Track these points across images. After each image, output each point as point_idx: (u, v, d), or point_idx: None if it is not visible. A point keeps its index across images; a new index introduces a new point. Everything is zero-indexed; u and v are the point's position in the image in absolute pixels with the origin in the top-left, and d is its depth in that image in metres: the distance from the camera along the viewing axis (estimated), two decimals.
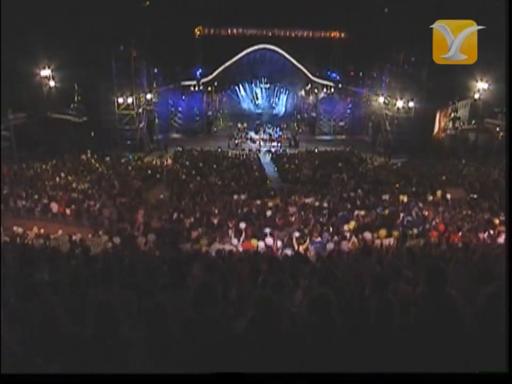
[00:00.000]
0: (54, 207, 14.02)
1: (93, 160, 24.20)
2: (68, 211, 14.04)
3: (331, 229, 10.82)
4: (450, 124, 28.34)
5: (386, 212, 12.82)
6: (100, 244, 8.83)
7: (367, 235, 10.12)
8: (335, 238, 10.08)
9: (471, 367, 2.31)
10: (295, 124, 35.54)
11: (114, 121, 26.83)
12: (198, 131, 33.86)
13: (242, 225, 10.35)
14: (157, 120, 30.72)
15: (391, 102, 27.72)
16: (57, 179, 18.38)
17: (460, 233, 10.47)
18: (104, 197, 15.56)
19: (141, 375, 2.27)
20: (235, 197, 16.08)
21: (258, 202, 14.79)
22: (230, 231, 10.45)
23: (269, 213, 12.73)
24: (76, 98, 26.47)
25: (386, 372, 2.30)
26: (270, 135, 32.18)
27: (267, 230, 10.35)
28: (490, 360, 2.35)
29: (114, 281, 3.82)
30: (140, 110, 27.51)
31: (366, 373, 2.27)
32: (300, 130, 34.12)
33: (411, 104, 27.00)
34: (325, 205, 14.38)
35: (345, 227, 10.90)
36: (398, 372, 2.30)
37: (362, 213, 12.48)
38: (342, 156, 27.17)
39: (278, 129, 32.84)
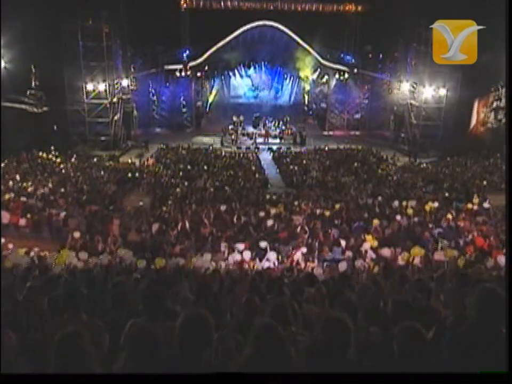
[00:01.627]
0: (5, 216, 13.27)
1: (55, 159, 24.22)
2: (22, 221, 13.61)
3: (344, 243, 10.80)
4: (492, 116, 27.90)
5: (412, 222, 12.82)
6: (65, 262, 8.78)
7: (388, 251, 10.11)
8: (349, 253, 10.08)
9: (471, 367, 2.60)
10: (301, 117, 35.77)
11: (82, 113, 26.83)
12: (185, 125, 34.05)
13: (239, 243, 10.34)
14: (135, 112, 30.84)
15: (418, 90, 27.71)
16: (10, 183, 18.26)
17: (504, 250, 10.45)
18: (70, 205, 15.52)
19: (141, 375, 2.53)
20: (230, 204, 16.06)
21: (257, 210, 14.77)
22: (223, 245, 10.43)
23: (270, 223, 12.71)
24: (33, 84, 25.69)
25: (386, 372, 2.59)
26: (271, 130, 32.36)
27: (268, 244, 10.34)
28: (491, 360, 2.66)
29: (82, 308, 3.80)
30: (115, 99, 27.58)
31: (366, 373, 2.50)
32: (307, 125, 34.32)
33: (442, 91, 26.97)
34: (337, 213, 14.37)
35: (362, 240, 10.90)
36: (398, 372, 2.61)
37: (383, 223, 12.48)
38: (357, 155, 27.31)
39: (280, 123, 33.02)
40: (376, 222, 12.44)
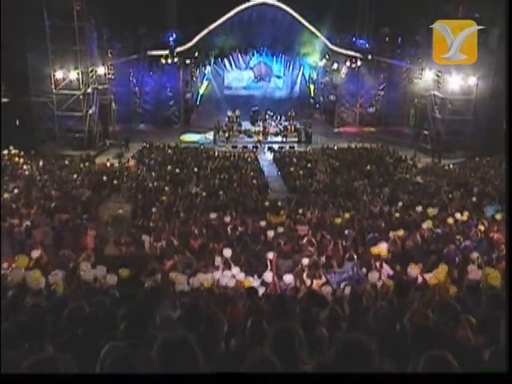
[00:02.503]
0: None
1: (18, 160, 24.21)
2: None
3: (357, 257, 10.80)
4: None
5: (436, 233, 12.83)
6: (29, 282, 8.70)
7: (409, 267, 10.09)
8: (363, 269, 10.07)
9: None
10: (307, 111, 35.90)
11: (50, 105, 26.82)
12: (172, 120, 34.24)
13: (230, 252, 10.32)
14: (113, 105, 30.98)
15: (443, 79, 27.77)
16: None
17: None
18: (36, 213, 15.47)
19: (141, 375, 2.77)
20: (224, 212, 16.08)
21: (256, 219, 14.77)
22: (217, 260, 10.41)
23: (270, 234, 12.71)
24: None
25: (386, 372, 2.86)
26: (272, 126, 32.47)
27: (268, 258, 10.32)
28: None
29: (48, 338, 3.77)
30: (89, 90, 27.64)
31: (366, 373, 2.73)
32: (313, 120, 34.46)
33: (472, 80, 26.99)
34: (348, 223, 14.39)
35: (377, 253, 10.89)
36: (398, 372, 2.92)
37: (401, 234, 12.48)
38: (372, 155, 27.43)
39: (282, 118, 33.19)
40: (394, 233, 12.42)
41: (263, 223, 14.05)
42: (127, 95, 33.00)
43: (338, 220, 14.30)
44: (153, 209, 17.11)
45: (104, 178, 21.81)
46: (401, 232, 12.62)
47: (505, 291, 3.28)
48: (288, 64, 36.81)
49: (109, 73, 29.80)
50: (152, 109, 33.84)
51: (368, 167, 24.84)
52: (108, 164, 25.44)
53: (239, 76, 37.29)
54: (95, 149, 28.07)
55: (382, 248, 10.71)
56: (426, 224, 13.27)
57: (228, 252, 10.17)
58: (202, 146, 29.04)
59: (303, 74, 37.44)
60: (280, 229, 13.41)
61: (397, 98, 33.56)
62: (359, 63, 32.85)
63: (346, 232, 13.31)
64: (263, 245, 11.97)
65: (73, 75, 26.66)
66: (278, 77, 37.82)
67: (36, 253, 10.66)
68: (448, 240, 12.04)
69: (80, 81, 26.94)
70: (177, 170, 23.89)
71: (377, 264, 10.10)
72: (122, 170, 24.09)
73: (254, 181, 22.49)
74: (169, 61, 32.12)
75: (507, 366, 2.91)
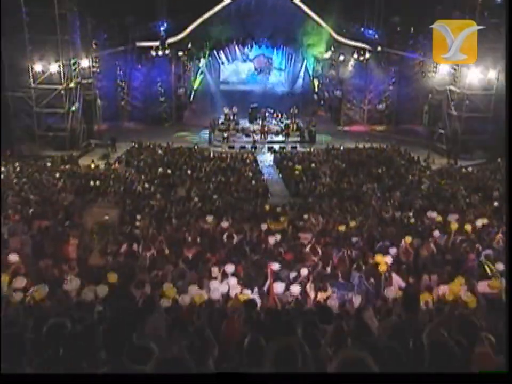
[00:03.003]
0: None
1: None
2: None
3: (364, 267, 10.77)
4: None
5: (452, 241, 12.81)
6: (3, 296, 8.64)
7: (424, 277, 10.06)
8: (371, 280, 10.05)
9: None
10: (310, 108, 35.97)
11: (28, 101, 26.75)
12: (163, 118, 34.30)
13: (230, 265, 10.30)
14: (99, 101, 30.98)
15: (461, 72, 27.72)
16: None
17: None
18: (13, 219, 15.44)
19: (141, 375, 2.97)
20: (220, 218, 16.07)
21: (255, 226, 14.78)
22: (213, 270, 10.39)
23: (271, 241, 12.71)
24: None
25: (386, 372, 3.05)
26: (272, 124, 32.53)
27: (269, 268, 10.30)
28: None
29: (27, 358, 3.76)
30: (72, 84, 27.59)
31: (366, 373, 2.88)
32: (318, 118, 34.54)
33: (492, 74, 26.83)
34: (356, 230, 14.40)
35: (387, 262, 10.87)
36: (398, 372, 3.13)
37: (413, 242, 12.47)
38: (381, 156, 27.48)
39: (284, 116, 33.25)
40: (406, 240, 12.41)
41: (262, 230, 14.09)
42: (114, 90, 33.05)
43: (342, 228, 14.28)
44: (142, 216, 17.11)
45: (89, 181, 21.79)
46: (413, 240, 12.62)
47: (505, 292, 3.39)
48: (290, 56, 36.89)
49: (93, 66, 29.78)
50: (141, 106, 33.89)
51: (378, 169, 24.86)
52: (93, 166, 25.43)
53: (236, 70, 37.37)
54: (78, 149, 28.02)
55: (386, 257, 10.72)
56: (445, 229, 13.28)
57: (230, 268, 10.14)
58: (196, 147, 29.04)
59: (306, 67, 37.48)
60: (281, 237, 13.45)
61: (409, 94, 33.62)
62: (367, 55, 32.92)
63: (353, 240, 13.32)
64: (262, 254, 11.99)
65: (54, 68, 26.48)
66: (279, 70, 37.91)
67: (12, 264, 10.65)
68: (466, 249, 12.03)
69: (62, 74, 26.80)
70: (168, 172, 23.92)
71: (387, 275, 10.08)
72: (109, 172, 24.08)
73: (253, 184, 22.54)
74: (160, 53, 32.13)
75: (507, 366, 3.10)
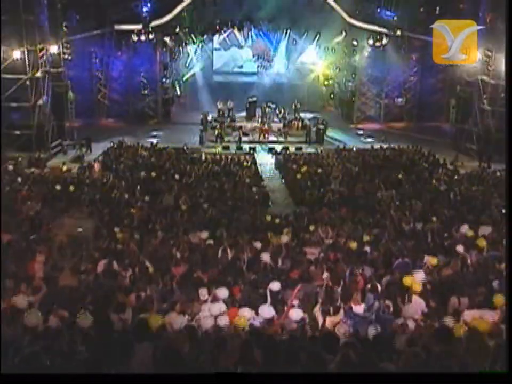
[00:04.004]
0: None
1: None
2: None
3: (381, 288, 10.81)
4: None
5: (485, 258, 12.82)
6: None
7: (451, 300, 10.07)
8: (388, 303, 10.07)
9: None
10: (318, 103, 36.05)
11: None
12: (146, 114, 34.39)
13: (223, 290, 10.32)
14: (71, 94, 31.00)
15: (495, 59, 27.56)
16: None
17: None
18: None
19: (141, 375, 3.49)
20: (213, 231, 16.10)
21: (253, 240, 14.80)
22: (203, 292, 10.43)
23: (272, 257, 12.74)
24: None
25: (386, 372, 3.49)
26: (274, 121, 32.56)
27: (269, 289, 10.35)
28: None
29: None
30: (38, 74, 27.46)
31: (366, 373, 3.29)
32: (327, 114, 34.61)
33: None
34: (371, 245, 14.39)
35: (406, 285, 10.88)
36: (398, 372, 3.54)
37: (436, 260, 12.48)
38: (401, 159, 27.52)
39: (287, 111, 33.27)
40: (429, 258, 12.42)
41: (262, 245, 14.10)
42: (89, 81, 33.16)
43: (355, 242, 14.27)
44: (122, 228, 17.11)
45: (59, 187, 21.69)
46: (438, 257, 12.63)
47: (505, 292, 3.42)
48: (294, 42, 36.93)
49: (64, 53, 29.53)
50: (121, 100, 33.96)
51: (396, 174, 24.86)
52: (64, 169, 25.34)
53: (232, 58, 37.47)
54: (46, 150, 27.97)
55: (416, 278, 10.70)
56: (476, 244, 13.24)
57: (223, 292, 10.12)
58: (185, 147, 29.06)
59: (313, 55, 37.52)
60: (284, 252, 13.47)
61: (433, 86, 33.73)
62: (384, 40, 32.90)
63: (368, 255, 13.35)
64: (262, 272, 12.00)
65: (17, 54, 26.14)
66: (282, 59, 37.98)
67: None
68: (501, 267, 12.04)
69: (27, 62, 26.56)
70: (153, 178, 23.86)
71: (407, 298, 10.09)
72: (83, 177, 24.01)
73: (251, 191, 22.51)
74: (143, 37, 32.10)
75: (507, 366, 3.44)
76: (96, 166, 25.94)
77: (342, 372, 3.37)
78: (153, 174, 24.29)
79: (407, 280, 10.48)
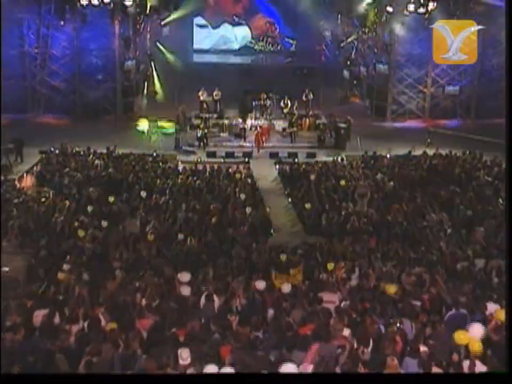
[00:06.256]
0: None
1: None
2: None
3: (427, 350, 10.82)
4: None
5: None
6: None
7: None
8: (436, 370, 10.08)
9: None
10: (338, 93, 36.16)
11: None
12: (101, 107, 34.36)
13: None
14: None
15: None
16: None
17: None
18: None
19: (141, 375, 5.33)
20: (195, 270, 16.11)
21: (250, 282, 14.83)
22: (185, 355, 10.39)
23: (275, 305, 12.77)
24: None
25: (386, 372, 5.43)
26: (277, 118, 32.61)
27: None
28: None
29: None
30: None
31: (366, 373, 5.03)
32: (350, 107, 34.70)
33: None
34: (411, 289, 14.50)
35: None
36: (398, 372, 5.72)
37: (503, 312, 12.46)
38: (453, 169, 27.46)
39: (295, 105, 33.29)
40: (494, 308, 12.45)
41: (261, 287, 14.12)
42: (19, 62, 33.14)
43: (392, 288, 14.29)
44: (67, 266, 17.04)
45: None
46: (504, 310, 12.65)
47: (505, 292, 3.89)
48: (304, 15, 37.14)
49: None
50: (66, 87, 34.01)
51: (447, 191, 24.86)
52: None
53: (224, 36, 37.69)
54: None
55: (474, 335, 10.71)
56: None
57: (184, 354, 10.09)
58: (155, 154, 29.08)
59: (329, 29, 37.76)
60: (292, 298, 13.47)
61: (497, 69, 33.75)
62: (430, 5, 32.93)
63: (408, 304, 13.35)
64: (261, 327, 12.00)
65: None
66: (288, 37, 38.25)
67: None
68: None
69: None
70: (110, 195, 23.84)
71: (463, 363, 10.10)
72: (10, 195, 23.97)
73: (246, 214, 22.49)
74: (96, 1, 32.08)
75: (507, 366, 4.31)
76: (29, 180, 25.89)
77: (343, 372, 3.19)
78: (109, 191, 24.28)
79: (462, 338, 10.51)
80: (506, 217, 6.41)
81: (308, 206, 23.47)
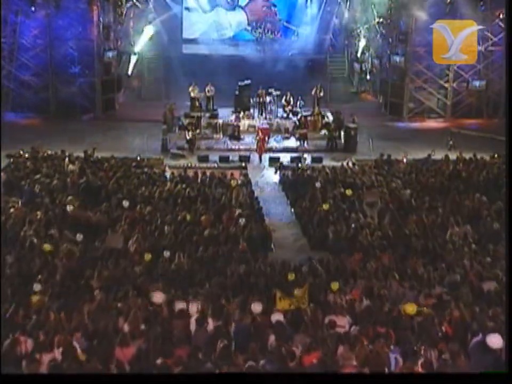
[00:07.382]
0: None
1: None
2: None
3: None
4: None
5: None
6: None
7: None
8: None
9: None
10: (347, 89, 36.26)
11: None
12: (78, 105, 34.43)
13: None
14: None
15: None
16: None
17: None
18: None
19: (141, 375, 5.76)
20: (183, 292, 16.13)
21: (248, 304, 14.85)
22: None
23: (277, 330, 12.80)
24: None
25: (386, 372, 6.32)
26: (279, 118, 32.69)
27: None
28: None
29: None
30: None
31: (366, 373, 5.74)
32: (361, 105, 34.75)
33: None
34: (433, 313, 14.43)
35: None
36: (398, 372, 6.74)
37: None
38: (479, 176, 27.48)
39: (299, 102, 33.39)
40: None
41: (258, 310, 14.14)
42: None
43: (411, 308, 14.30)
44: (37, 287, 17.05)
45: None
46: None
47: (505, 291, 4.12)
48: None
49: None
50: (37, 82, 34.09)
51: (472, 200, 24.90)
52: None
53: (217, 23, 37.81)
54: None
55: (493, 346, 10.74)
56: None
57: None
58: (139, 158, 29.12)
59: (337, 15, 37.92)
60: (296, 323, 13.48)
61: None
62: None
63: (428, 330, 13.36)
64: (261, 355, 12.01)
65: None
66: (290, 25, 38.37)
67: None
68: None
69: None
70: (88, 205, 23.84)
71: None
72: None
73: (243, 227, 22.56)
74: None
75: (507, 366, 4.59)
76: None
77: (343, 372, 3.42)
78: (87, 201, 24.28)
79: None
80: (506, 217, 5.59)
81: (313, 218, 23.49)
